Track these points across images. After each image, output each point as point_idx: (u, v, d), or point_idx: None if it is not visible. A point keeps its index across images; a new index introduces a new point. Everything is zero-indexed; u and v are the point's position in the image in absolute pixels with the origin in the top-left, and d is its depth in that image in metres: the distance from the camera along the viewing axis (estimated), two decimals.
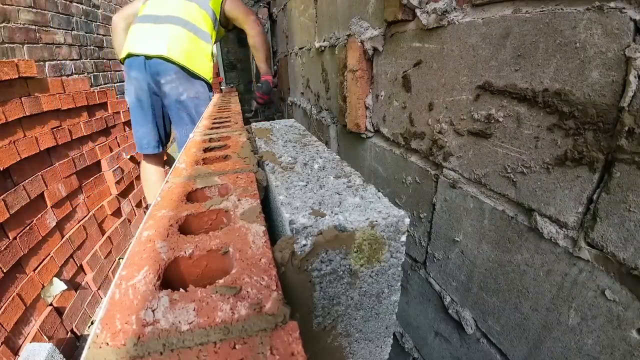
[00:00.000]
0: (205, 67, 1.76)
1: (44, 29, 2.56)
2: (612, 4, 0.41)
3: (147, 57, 1.62)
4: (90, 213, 2.19)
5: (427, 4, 0.73)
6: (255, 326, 0.25)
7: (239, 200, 0.45)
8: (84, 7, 3.10)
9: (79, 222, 2.07)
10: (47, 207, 1.82)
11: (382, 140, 1.08)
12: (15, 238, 1.55)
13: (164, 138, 1.91)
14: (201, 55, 1.73)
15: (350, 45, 1.10)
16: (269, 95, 1.95)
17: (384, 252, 0.39)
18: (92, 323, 2.02)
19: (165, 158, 2.08)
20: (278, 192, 0.47)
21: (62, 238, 1.91)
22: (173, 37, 1.62)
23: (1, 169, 1.53)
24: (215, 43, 1.88)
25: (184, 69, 1.67)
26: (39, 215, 1.74)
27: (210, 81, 1.84)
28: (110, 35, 3.47)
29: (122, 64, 1.77)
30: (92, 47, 3.20)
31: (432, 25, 0.73)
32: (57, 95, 1.99)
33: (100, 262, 2.19)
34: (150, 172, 1.94)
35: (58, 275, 1.82)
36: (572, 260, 0.52)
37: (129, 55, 1.67)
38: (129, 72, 1.71)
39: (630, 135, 0.41)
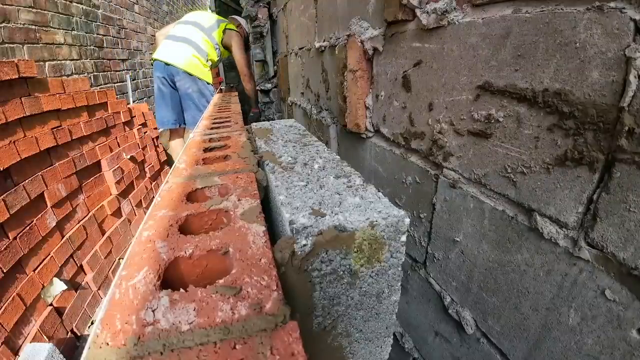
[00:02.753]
0: (203, 73, 2.67)
1: (44, 29, 2.56)
2: (612, 4, 0.41)
3: (167, 64, 2.54)
4: (90, 213, 2.19)
5: (427, 4, 0.73)
6: (256, 326, 0.25)
7: (239, 200, 0.45)
8: (84, 7, 3.10)
9: (79, 222, 2.07)
10: (47, 207, 1.82)
11: (382, 140, 1.08)
12: (15, 238, 1.55)
13: (179, 118, 2.79)
14: (200, 66, 2.65)
15: (350, 45, 1.10)
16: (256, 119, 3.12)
17: (384, 252, 0.39)
18: (92, 323, 2.02)
19: (184, 132, 2.99)
20: (278, 192, 0.47)
21: (62, 238, 1.90)
22: (184, 53, 2.56)
23: (1, 169, 1.53)
24: (219, 59, 2.85)
25: (188, 73, 2.57)
26: (39, 215, 1.74)
27: (210, 82, 2.75)
28: (110, 36, 3.54)
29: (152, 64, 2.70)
30: (92, 47, 3.20)
31: (432, 25, 0.73)
32: (57, 95, 1.99)
33: (100, 262, 2.19)
34: (176, 143, 2.96)
35: (58, 275, 1.81)
36: (572, 260, 0.52)
37: (156, 59, 2.59)
38: (155, 72, 2.61)
39: (630, 135, 0.41)
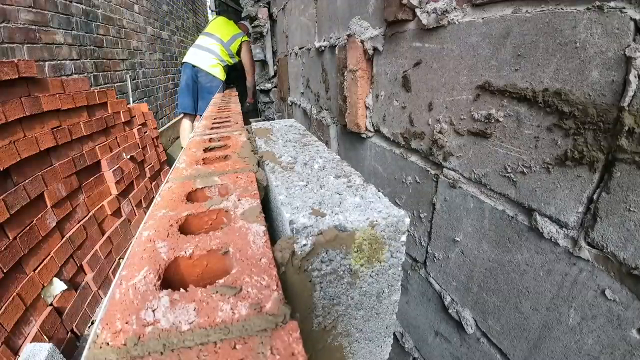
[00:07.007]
0: (219, 73, 3.58)
1: (44, 29, 2.56)
2: (612, 4, 0.41)
3: (193, 66, 3.49)
4: (90, 213, 2.19)
5: (427, 3, 0.73)
6: (256, 326, 0.25)
7: (239, 200, 0.45)
8: (84, 7, 3.10)
9: (79, 222, 2.07)
10: (47, 207, 1.81)
11: (382, 140, 1.08)
12: (15, 238, 1.55)
13: (196, 106, 3.66)
14: (218, 67, 3.56)
15: (350, 45, 1.10)
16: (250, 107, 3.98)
17: (384, 252, 0.39)
18: (92, 323, 2.02)
19: (196, 119, 3.71)
20: (278, 192, 0.47)
21: (62, 238, 1.90)
22: (206, 58, 3.50)
23: (1, 169, 1.53)
24: (233, 62, 3.71)
25: (208, 73, 3.48)
26: (39, 215, 1.74)
27: (223, 79, 3.62)
28: (110, 36, 3.56)
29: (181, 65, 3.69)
30: (92, 47, 3.19)
31: (432, 25, 0.73)
32: (57, 95, 1.99)
33: (100, 262, 2.18)
34: (186, 125, 3.70)
35: (58, 275, 1.81)
36: (572, 260, 0.52)
37: (185, 62, 3.57)
38: (185, 69, 3.54)
39: (630, 135, 0.41)
